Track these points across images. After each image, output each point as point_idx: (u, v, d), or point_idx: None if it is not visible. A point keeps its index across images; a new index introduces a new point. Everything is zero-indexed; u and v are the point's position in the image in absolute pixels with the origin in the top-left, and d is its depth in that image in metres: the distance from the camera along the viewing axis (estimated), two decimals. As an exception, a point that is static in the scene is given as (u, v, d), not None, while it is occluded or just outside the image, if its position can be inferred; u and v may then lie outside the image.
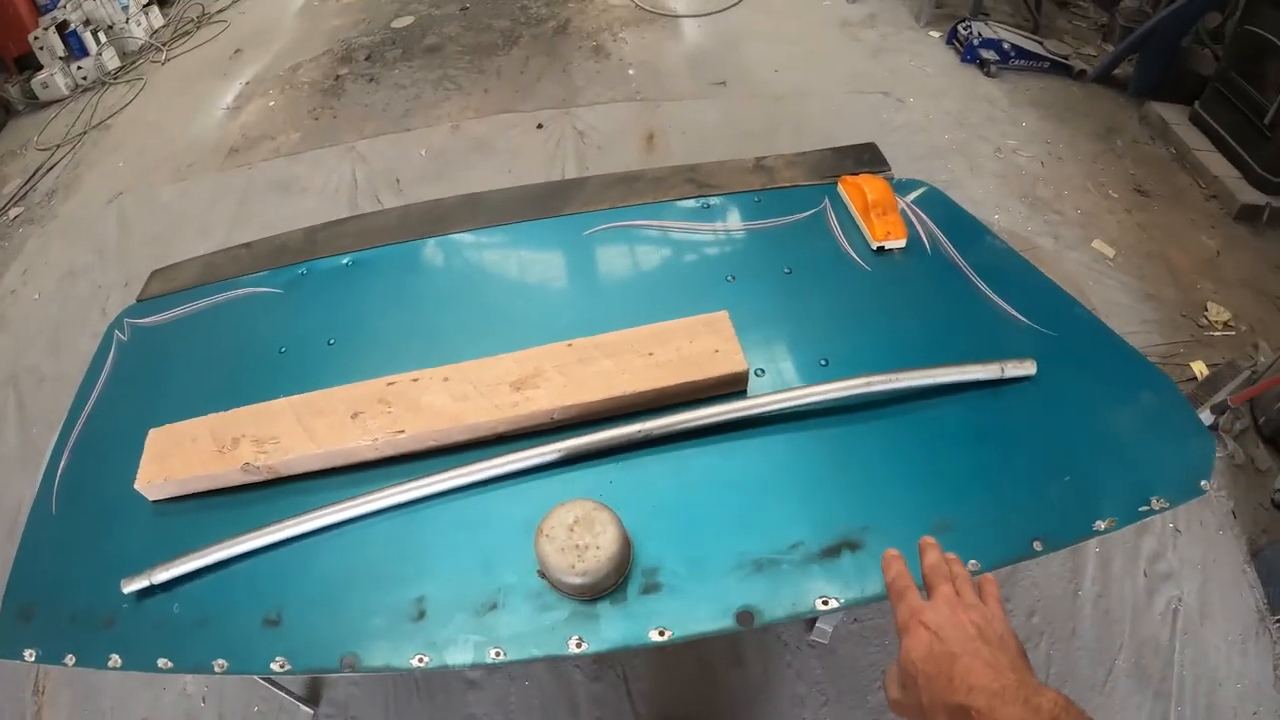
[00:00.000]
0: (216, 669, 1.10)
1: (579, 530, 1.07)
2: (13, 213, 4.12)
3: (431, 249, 1.70)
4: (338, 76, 4.76)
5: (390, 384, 1.30)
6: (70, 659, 1.14)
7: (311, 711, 2.04)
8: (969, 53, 4.14)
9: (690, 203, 1.70)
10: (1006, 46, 4.06)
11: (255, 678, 1.73)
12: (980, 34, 4.11)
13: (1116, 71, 3.99)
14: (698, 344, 1.29)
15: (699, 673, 2.04)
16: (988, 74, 4.09)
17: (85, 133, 4.63)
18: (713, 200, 1.70)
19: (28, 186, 4.28)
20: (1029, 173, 3.49)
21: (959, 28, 4.26)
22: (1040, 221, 3.23)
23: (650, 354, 1.27)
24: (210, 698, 2.12)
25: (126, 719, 2.12)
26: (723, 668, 2.03)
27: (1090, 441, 1.19)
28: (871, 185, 1.58)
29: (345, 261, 1.70)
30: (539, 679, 2.04)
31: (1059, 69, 4.07)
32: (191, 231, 3.70)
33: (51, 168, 4.39)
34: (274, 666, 1.09)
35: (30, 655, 1.16)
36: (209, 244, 3.51)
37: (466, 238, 1.72)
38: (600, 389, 1.24)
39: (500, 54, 4.75)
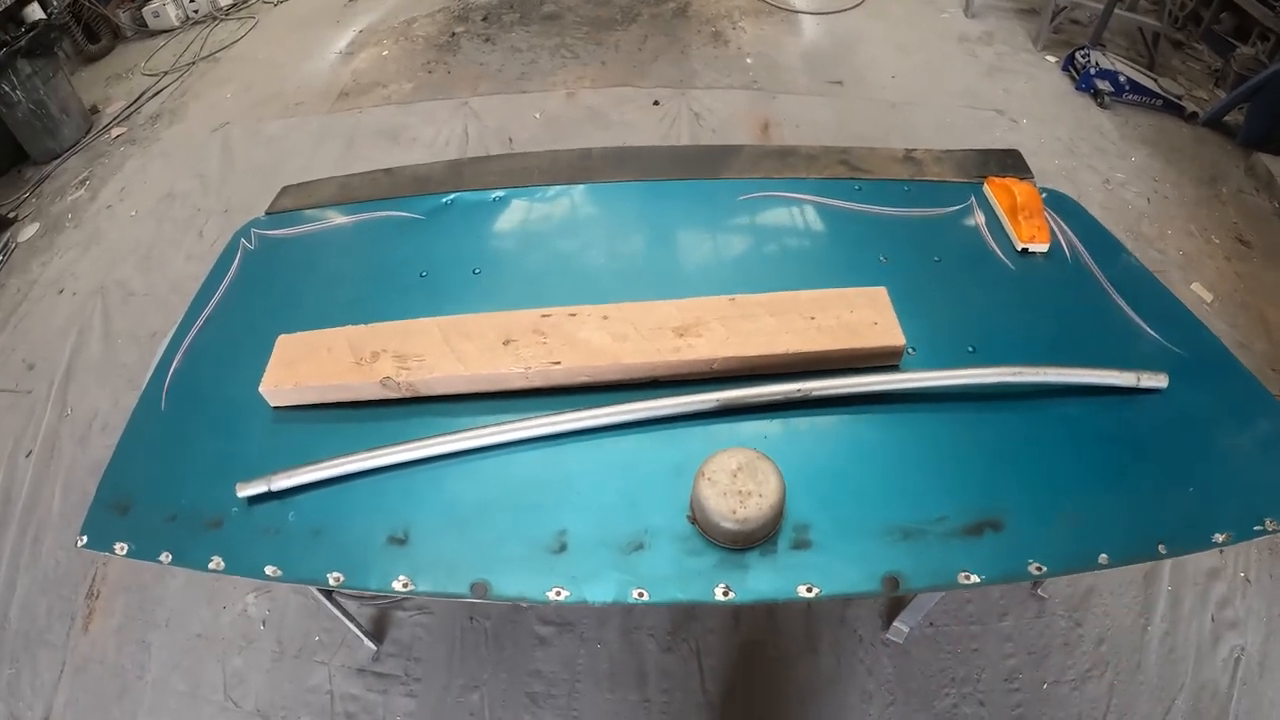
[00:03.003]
0: (331, 581, 1.09)
1: (742, 476, 1.04)
2: (115, 132, 4.19)
3: (585, 194, 1.69)
4: (453, 34, 4.78)
5: (545, 315, 1.28)
6: (167, 557, 1.14)
7: (374, 648, 2.03)
8: (1084, 81, 4.07)
9: (842, 183, 1.67)
10: (1122, 79, 3.98)
11: (327, 606, 1.71)
12: (1098, 64, 4.03)
13: (1227, 118, 3.89)
14: (857, 314, 1.27)
15: (772, 656, 2.01)
16: (1101, 105, 4.00)
17: (194, 63, 4.71)
18: (863, 183, 1.67)
19: (132, 109, 4.36)
20: (1134, 208, 3.42)
21: (1077, 55, 4.18)
22: (1143, 258, 3.08)
23: (812, 318, 1.25)
24: (270, 621, 2.13)
25: (181, 633, 2.14)
26: (796, 655, 2.01)
27: (1211, 459, 1.19)
28: (1020, 188, 1.58)
29: (493, 196, 1.69)
30: (610, 643, 2.02)
31: (1170, 108, 3.97)
32: (296, 168, 3.72)
33: (157, 93, 4.48)
34: (396, 585, 1.07)
35: (122, 549, 1.15)
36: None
37: (621, 187, 1.70)
38: (762, 344, 1.22)
39: (619, 29, 4.76)
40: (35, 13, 4.14)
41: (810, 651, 2.01)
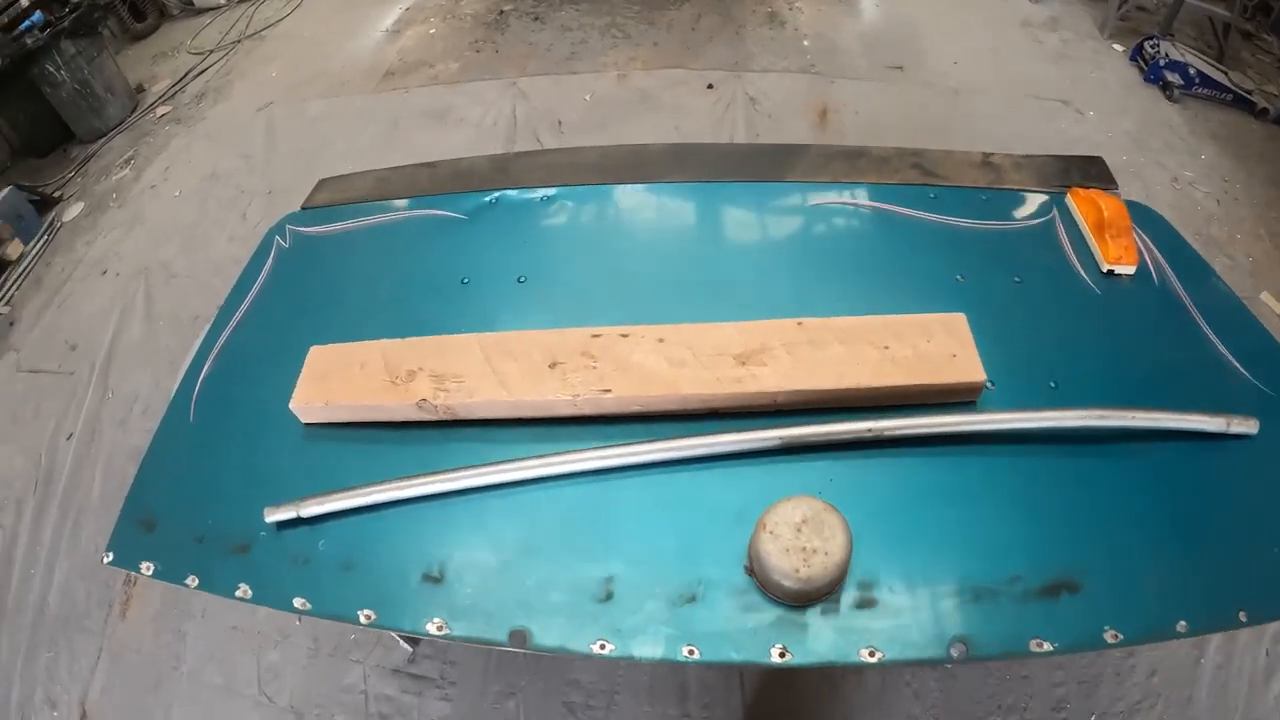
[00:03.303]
0: (363, 620, 1.02)
1: (807, 532, 0.95)
2: (160, 110, 4.19)
3: (640, 195, 1.58)
4: (501, 11, 4.69)
5: (595, 335, 1.19)
6: (193, 580, 1.09)
7: (410, 649, 1.99)
8: (1153, 72, 3.88)
9: (916, 189, 1.55)
10: (1192, 72, 3.79)
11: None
12: (1167, 55, 3.84)
13: None
14: (935, 344, 1.15)
15: (817, 676, 1.94)
16: (1170, 98, 3.81)
17: (239, 41, 4.69)
18: (937, 191, 1.55)
19: (177, 87, 4.36)
20: (1204, 209, 3.25)
21: (1145, 45, 3.99)
22: (1212, 264, 2.96)
23: (885, 347, 1.14)
24: (308, 617, 2.09)
25: (217, 624, 2.12)
26: (841, 675, 1.94)
27: None
28: (1107, 202, 1.45)
29: (540, 196, 1.59)
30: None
31: (1241, 103, 3.78)
32: (340, 149, 3.69)
33: (202, 72, 4.46)
34: (430, 628, 1.01)
35: (148, 569, 1.10)
36: (358, 164, 3.46)
37: (679, 189, 1.59)
38: (830, 377, 1.12)
39: (672, 8, 4.61)
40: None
41: (856, 672, 1.92)
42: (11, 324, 3.16)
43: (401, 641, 1.96)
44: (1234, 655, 1.96)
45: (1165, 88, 3.84)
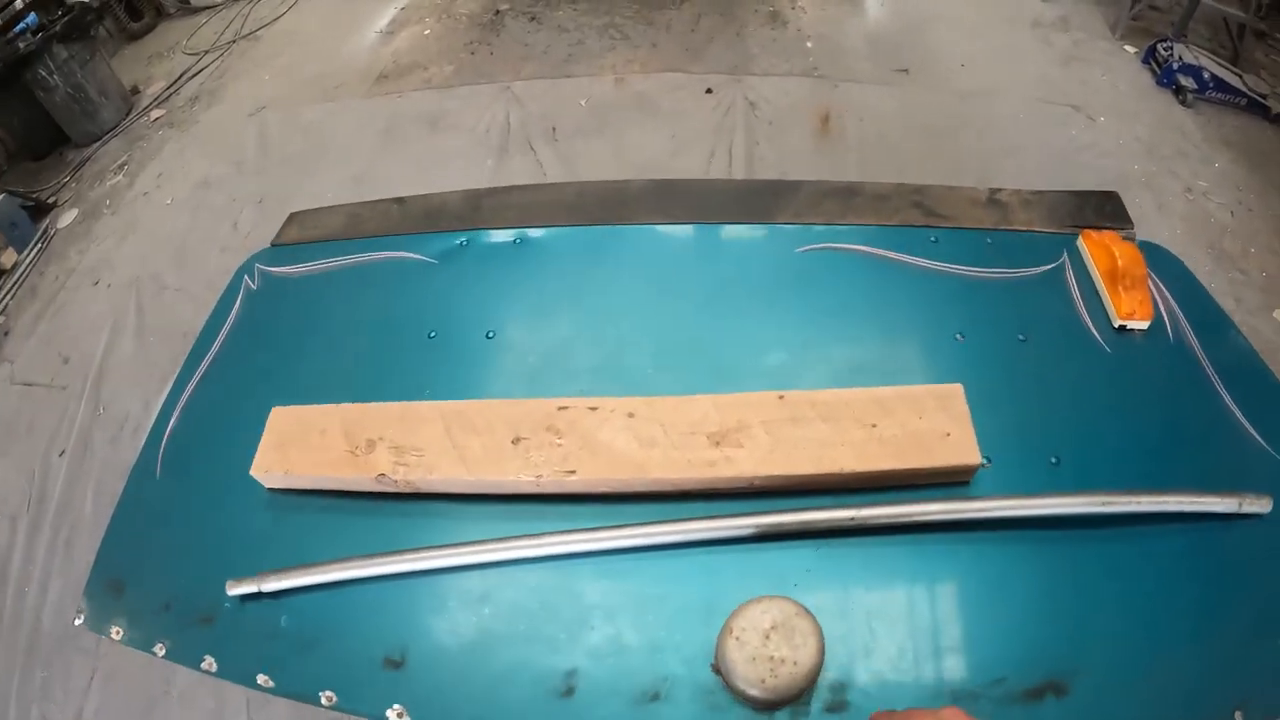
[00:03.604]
0: (324, 702, 0.98)
1: (775, 639, 0.89)
2: (154, 114, 4.15)
3: (615, 239, 1.50)
4: (498, 11, 4.60)
5: (562, 408, 1.11)
6: (160, 649, 1.05)
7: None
8: (1166, 76, 3.77)
9: (916, 231, 1.46)
10: (1206, 75, 3.68)
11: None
12: (1181, 58, 3.74)
13: None
14: (927, 421, 1.07)
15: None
16: (1183, 102, 3.71)
17: (234, 41, 4.64)
18: (939, 233, 1.46)
19: (172, 90, 4.31)
20: (1218, 221, 3.16)
21: (1158, 47, 3.88)
22: (1224, 279, 2.95)
23: (873, 425, 1.06)
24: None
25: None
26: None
27: None
28: (1121, 249, 1.34)
29: (512, 237, 1.52)
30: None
31: (1255, 107, 3.67)
32: (332, 156, 3.65)
33: (197, 74, 4.42)
34: (390, 715, 0.96)
35: (118, 634, 1.07)
36: (349, 171, 3.46)
37: (657, 232, 1.51)
38: (811, 460, 1.04)
39: (671, 8, 4.51)
40: (79, -8, 4.08)
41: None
42: (6, 334, 3.15)
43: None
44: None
45: (1178, 92, 3.74)
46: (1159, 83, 3.82)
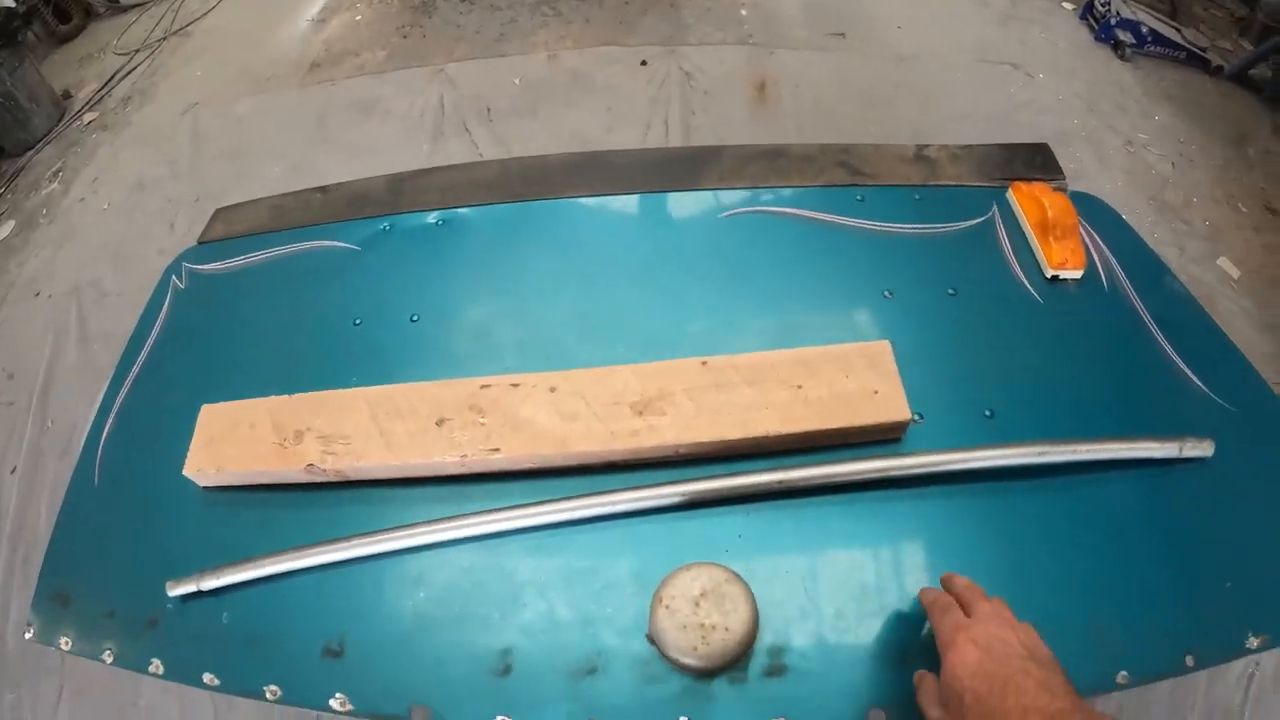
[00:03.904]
0: (269, 696, 0.97)
1: (706, 606, 0.88)
2: (87, 118, 4.04)
3: (537, 215, 1.48)
4: (429, -7, 4.51)
5: (484, 387, 1.10)
6: (108, 655, 1.03)
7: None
8: (1104, 31, 3.81)
9: (841, 191, 1.45)
10: (1144, 30, 3.73)
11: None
12: (1119, 13, 3.78)
13: (1253, 72, 3.64)
14: (854, 380, 1.06)
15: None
16: (1121, 57, 3.75)
17: (165, 39, 4.50)
18: (866, 191, 1.45)
19: (104, 91, 4.19)
20: (1159, 173, 3.20)
21: (1096, 4, 3.91)
22: (1167, 230, 3.00)
23: (799, 387, 1.05)
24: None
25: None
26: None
27: (1256, 542, 1.01)
28: (1051, 200, 1.34)
29: (434, 220, 1.49)
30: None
31: (1195, 60, 3.72)
32: (266, 150, 3.57)
33: (128, 73, 4.29)
34: (333, 704, 0.95)
35: (66, 644, 1.05)
36: (284, 164, 3.40)
37: (580, 205, 1.48)
38: (736, 425, 1.03)
39: (604, -20, 4.45)
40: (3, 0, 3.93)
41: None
42: (-51, 352, 3.06)
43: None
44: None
45: (1117, 47, 3.77)
46: (1097, 38, 3.84)
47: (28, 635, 1.07)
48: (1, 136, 3.86)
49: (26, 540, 2.41)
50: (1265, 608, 0.95)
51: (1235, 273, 2.82)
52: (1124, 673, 0.91)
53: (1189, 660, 0.92)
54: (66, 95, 4.18)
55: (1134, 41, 3.74)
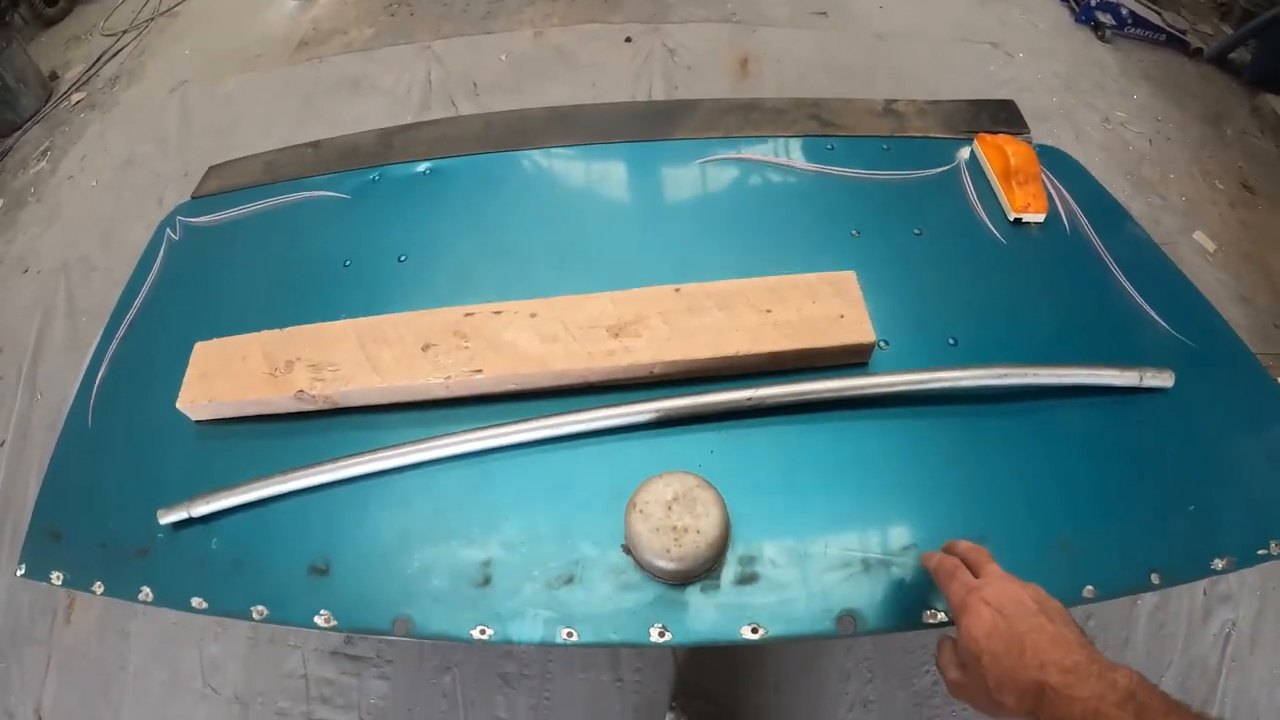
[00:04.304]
0: (255, 615, 1.00)
1: (678, 509, 0.92)
2: (75, 98, 4.04)
3: (520, 164, 1.53)
4: (417, -30, 4.51)
5: (468, 315, 1.14)
6: (99, 587, 1.07)
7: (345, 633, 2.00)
8: (1085, 13, 3.86)
9: (812, 141, 1.50)
10: (1124, 12, 3.78)
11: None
12: (1099, -6, 3.82)
13: (1232, 55, 3.70)
14: (820, 306, 1.12)
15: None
16: (1101, 38, 3.80)
17: (152, 19, 4.51)
18: (836, 142, 1.50)
19: (91, 72, 4.20)
20: (1136, 150, 3.26)
21: (1076, -15, 3.96)
22: (1144, 204, 3.05)
23: (767, 311, 1.11)
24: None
25: (160, 620, 2.12)
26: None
27: (1217, 471, 1.06)
28: (1014, 148, 1.40)
29: (422, 169, 1.54)
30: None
31: (1174, 43, 3.78)
32: (254, 126, 3.59)
33: (116, 54, 4.30)
34: (318, 620, 0.99)
35: (58, 579, 1.09)
36: (271, 141, 3.38)
37: (560, 155, 1.54)
38: (708, 345, 1.08)
39: (589, -41, 4.47)
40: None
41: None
42: (-64, 329, 3.07)
43: (338, 628, 1.97)
44: (1171, 596, 2.00)
45: (1097, 28, 3.82)
46: (1078, 20, 3.90)
47: (19, 573, 1.11)
48: (-12, 117, 3.87)
49: (15, 514, 2.42)
50: (1229, 532, 0.99)
51: (1211, 246, 2.88)
52: (1090, 587, 0.95)
53: (1154, 578, 0.96)
54: (54, 76, 4.18)
55: (1114, 23, 3.79)
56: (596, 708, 1.88)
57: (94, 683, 2.06)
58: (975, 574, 0.81)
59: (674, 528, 0.91)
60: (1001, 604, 0.74)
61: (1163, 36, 3.78)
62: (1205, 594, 2.01)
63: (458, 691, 1.91)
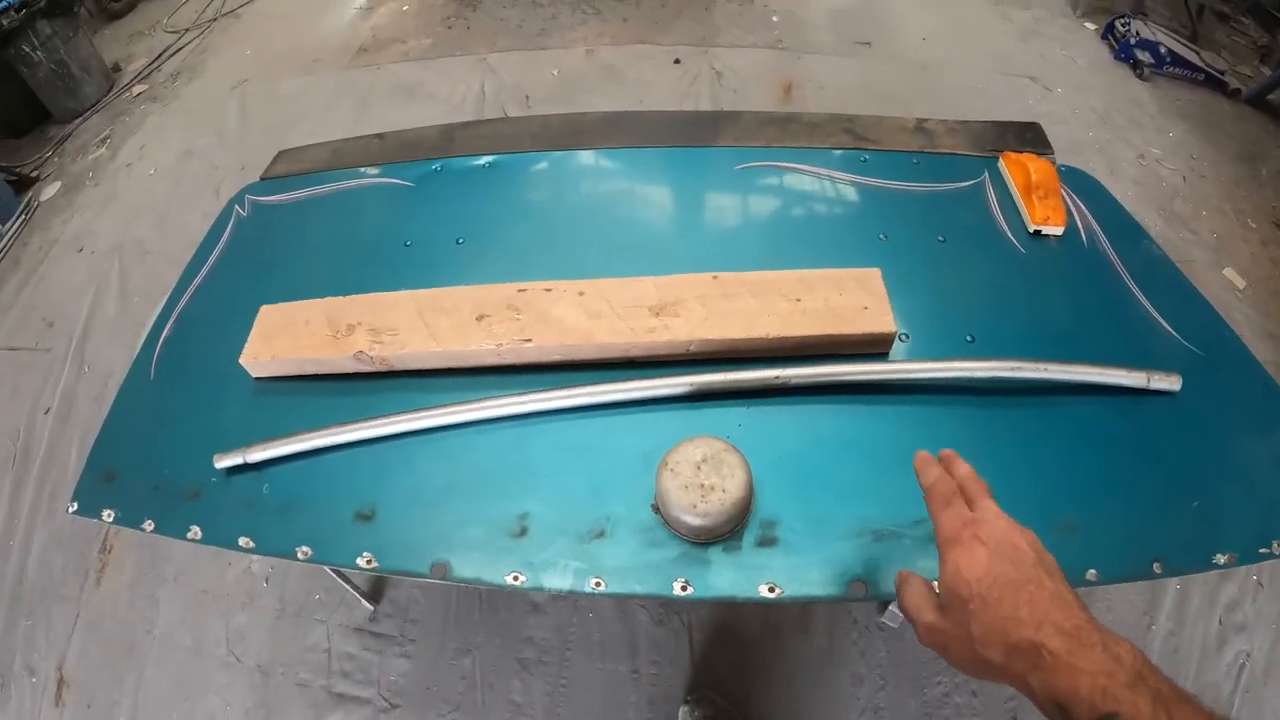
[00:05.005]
0: (300, 555, 1.07)
1: (706, 469, 1.00)
2: (136, 89, 4.20)
3: (573, 161, 1.63)
4: (475, -13, 4.68)
5: (521, 290, 1.24)
6: (149, 524, 1.13)
7: (371, 608, 2.06)
8: (1123, 51, 3.90)
9: (846, 154, 1.59)
10: (1163, 50, 3.80)
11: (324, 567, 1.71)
12: (1138, 33, 3.86)
13: (1270, 96, 3.72)
14: (846, 297, 1.20)
15: (763, 634, 2.00)
16: (1140, 76, 3.84)
17: (215, 19, 4.69)
18: (869, 155, 1.59)
19: (153, 66, 4.36)
20: (1169, 185, 3.29)
21: (1116, 23, 4.00)
22: (1175, 239, 3.07)
23: (797, 300, 1.19)
24: (274, 579, 2.17)
25: (189, 588, 2.19)
26: (788, 633, 1.99)
27: (1222, 471, 1.10)
28: (1036, 165, 1.48)
29: (482, 162, 1.64)
30: (602, 613, 2.02)
31: (1213, 83, 3.79)
32: (311, 125, 3.71)
33: (178, 50, 4.46)
34: (360, 562, 1.06)
35: (109, 516, 1.15)
36: (328, 139, 3.52)
37: (611, 155, 1.64)
38: (741, 327, 1.16)
39: (642, -17, 4.61)
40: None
41: (803, 631, 1.99)
42: (-11, 302, 3.19)
43: (362, 600, 2.03)
44: (1186, 622, 2.00)
45: (1135, 66, 3.85)
46: (1116, 57, 3.93)
47: (71, 510, 1.17)
48: (51, 103, 4.03)
49: (54, 478, 2.51)
50: (1232, 529, 1.04)
51: (1241, 283, 2.89)
52: (1093, 570, 0.99)
53: (1157, 567, 1.00)
54: (116, 68, 4.36)
55: (1153, 62, 3.82)
56: (612, 697, 1.93)
57: (119, 644, 2.12)
58: (971, 507, 0.74)
59: (701, 485, 0.98)
60: (999, 546, 0.67)
61: (1201, 76, 3.79)
62: (1221, 623, 2.01)
63: (476, 673, 1.96)
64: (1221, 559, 1.01)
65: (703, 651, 1.97)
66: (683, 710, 1.85)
